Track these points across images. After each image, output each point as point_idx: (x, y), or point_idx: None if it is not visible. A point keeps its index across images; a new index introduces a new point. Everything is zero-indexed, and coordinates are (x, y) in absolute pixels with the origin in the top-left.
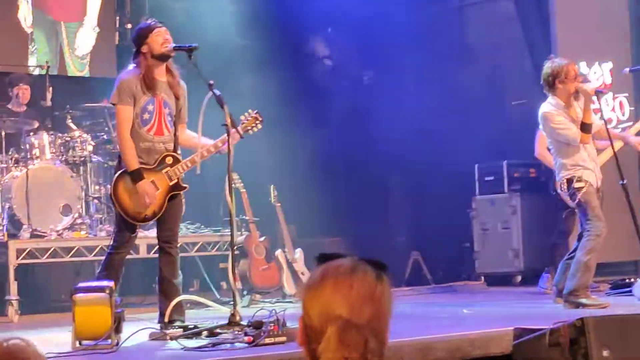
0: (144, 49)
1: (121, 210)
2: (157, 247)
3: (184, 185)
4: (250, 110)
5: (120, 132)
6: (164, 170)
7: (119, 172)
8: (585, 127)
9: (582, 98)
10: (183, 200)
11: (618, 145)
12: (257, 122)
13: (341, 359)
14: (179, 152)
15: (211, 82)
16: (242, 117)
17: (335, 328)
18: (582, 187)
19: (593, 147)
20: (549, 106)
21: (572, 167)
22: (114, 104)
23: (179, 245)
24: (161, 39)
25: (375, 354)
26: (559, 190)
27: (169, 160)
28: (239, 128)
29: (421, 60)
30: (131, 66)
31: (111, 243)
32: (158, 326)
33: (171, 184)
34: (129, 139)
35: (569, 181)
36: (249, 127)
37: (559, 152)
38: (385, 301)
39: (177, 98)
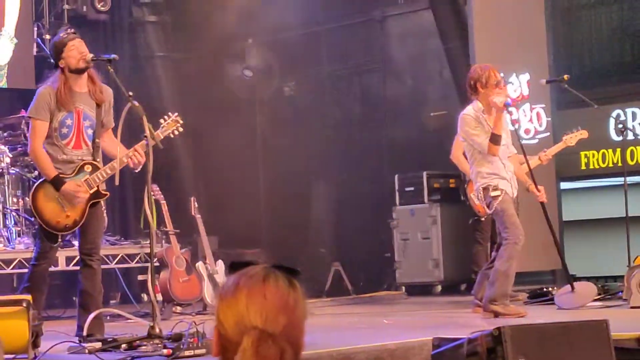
0: (61, 63)
1: (41, 220)
2: (78, 259)
3: (105, 192)
4: (170, 114)
5: (32, 145)
6: (83, 179)
7: (38, 182)
8: (494, 139)
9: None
10: (104, 212)
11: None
12: (177, 125)
13: None
14: (98, 159)
15: (130, 93)
16: (162, 121)
17: (251, 339)
18: (498, 196)
19: (508, 159)
20: (469, 109)
21: (488, 175)
22: (30, 117)
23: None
24: (76, 53)
25: None
26: (471, 196)
27: (88, 168)
28: (159, 132)
29: (343, 71)
30: (48, 82)
31: (33, 255)
32: (76, 340)
33: (91, 191)
34: (42, 150)
35: (485, 190)
36: (169, 130)
37: (474, 160)
38: (299, 309)
39: (98, 106)
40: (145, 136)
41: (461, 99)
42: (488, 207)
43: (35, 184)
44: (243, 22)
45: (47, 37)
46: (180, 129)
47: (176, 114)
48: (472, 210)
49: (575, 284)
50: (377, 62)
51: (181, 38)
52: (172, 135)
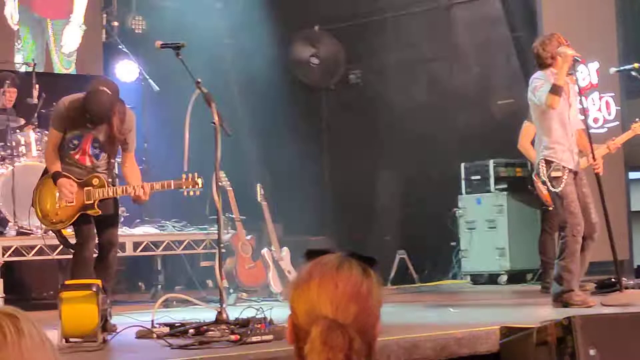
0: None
1: (35, 209)
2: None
3: (97, 209)
4: (191, 174)
5: (46, 149)
6: (85, 188)
7: (44, 176)
8: (554, 89)
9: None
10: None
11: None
12: (196, 185)
13: None
14: (110, 179)
15: (199, 79)
16: (183, 176)
17: (319, 329)
18: (560, 177)
19: (574, 136)
20: (538, 74)
21: (552, 145)
22: (50, 124)
23: (165, 242)
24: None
25: (362, 354)
26: (538, 185)
27: (95, 181)
28: (174, 182)
29: (409, 59)
30: (76, 95)
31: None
32: (145, 324)
33: (86, 202)
34: (52, 154)
35: (547, 164)
36: (184, 188)
37: (542, 130)
38: (372, 298)
39: (113, 135)
40: (214, 122)
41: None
42: (551, 185)
43: (40, 178)
44: (310, 9)
45: (115, 23)
46: (197, 192)
47: (198, 176)
48: (540, 199)
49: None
50: (444, 50)
51: (248, 25)
52: (185, 194)
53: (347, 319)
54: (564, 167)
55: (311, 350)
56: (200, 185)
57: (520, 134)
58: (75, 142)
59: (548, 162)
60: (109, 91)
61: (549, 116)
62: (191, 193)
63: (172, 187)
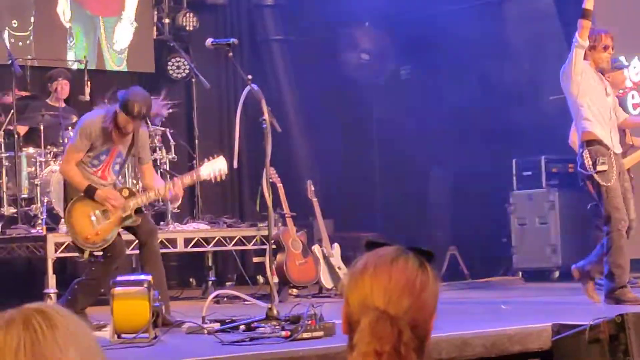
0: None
1: (72, 234)
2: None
3: (137, 219)
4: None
5: (64, 166)
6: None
7: (74, 199)
8: (584, 13)
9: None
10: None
11: None
12: (217, 163)
13: (372, 352)
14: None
15: (249, 76)
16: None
17: (368, 319)
18: (604, 172)
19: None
20: None
21: (590, 118)
22: (70, 142)
23: (216, 239)
24: (127, 128)
25: (411, 347)
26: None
27: (125, 192)
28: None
29: (460, 55)
30: (102, 111)
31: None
32: (196, 320)
33: (124, 215)
34: (76, 170)
35: (590, 154)
36: (212, 173)
37: (578, 110)
38: (427, 292)
39: (131, 147)
40: (264, 119)
41: None
42: (593, 166)
43: (72, 200)
44: (360, 5)
45: (167, 21)
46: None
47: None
48: (590, 195)
49: None
50: (495, 45)
51: (298, 21)
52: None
53: (398, 311)
54: (607, 149)
55: (359, 340)
56: (222, 163)
57: (571, 131)
58: (103, 157)
59: (591, 153)
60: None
61: (583, 92)
62: (219, 179)
63: (200, 176)
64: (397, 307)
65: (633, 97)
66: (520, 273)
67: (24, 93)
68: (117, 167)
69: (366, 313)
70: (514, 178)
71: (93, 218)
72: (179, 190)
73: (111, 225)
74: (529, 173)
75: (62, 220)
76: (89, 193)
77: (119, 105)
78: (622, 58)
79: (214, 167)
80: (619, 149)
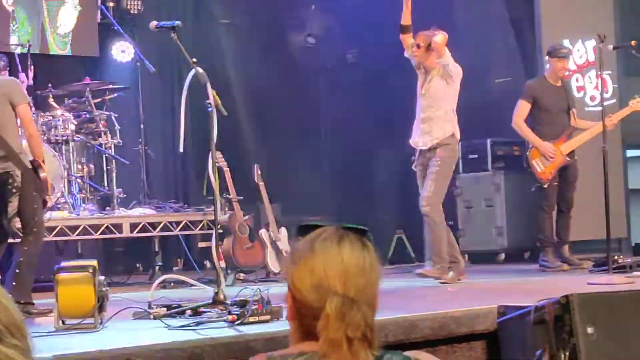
0: None
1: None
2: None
3: None
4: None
5: (34, 128)
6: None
7: (37, 161)
8: (402, 29)
9: None
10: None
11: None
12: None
13: (344, 338)
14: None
15: (194, 59)
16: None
17: (333, 305)
18: None
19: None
20: None
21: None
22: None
23: (162, 223)
24: None
25: (373, 330)
26: (532, 163)
27: None
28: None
29: None
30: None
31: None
32: (143, 305)
33: None
34: None
35: None
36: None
37: None
38: (375, 270)
39: None
40: (209, 103)
41: (525, 66)
42: None
43: (41, 166)
44: None
45: (111, 4)
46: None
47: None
48: (535, 178)
49: None
50: (442, 28)
51: (244, 5)
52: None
53: (357, 293)
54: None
55: (325, 326)
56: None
57: (514, 113)
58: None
59: None
60: None
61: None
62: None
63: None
64: (354, 289)
65: (577, 80)
66: (467, 255)
67: None
68: None
69: (326, 298)
70: (460, 161)
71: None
72: None
73: None
74: (475, 156)
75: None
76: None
77: None
78: (565, 42)
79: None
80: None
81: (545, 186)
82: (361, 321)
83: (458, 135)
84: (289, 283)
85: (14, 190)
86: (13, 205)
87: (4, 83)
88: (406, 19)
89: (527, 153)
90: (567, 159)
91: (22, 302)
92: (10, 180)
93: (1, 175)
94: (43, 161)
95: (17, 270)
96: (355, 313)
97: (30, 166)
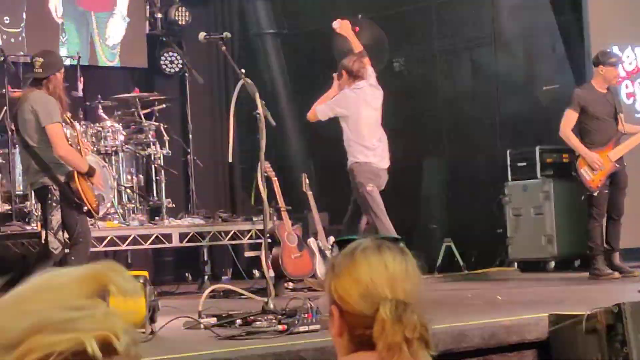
0: (52, 79)
1: (89, 205)
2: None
3: None
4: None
5: (66, 147)
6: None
7: (74, 172)
8: None
9: None
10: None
11: None
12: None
13: (402, 340)
14: None
15: (243, 70)
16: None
17: (387, 309)
18: None
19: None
20: None
21: None
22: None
23: (211, 233)
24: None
25: (428, 330)
26: (581, 172)
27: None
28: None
29: (453, 46)
30: (41, 91)
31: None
32: (192, 315)
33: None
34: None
35: None
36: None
37: None
38: (417, 274)
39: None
40: (258, 113)
41: (574, 73)
42: None
43: (72, 174)
44: None
45: (159, 15)
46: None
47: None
48: (584, 186)
49: None
50: (488, 36)
51: (290, 14)
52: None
53: (406, 296)
54: None
55: (382, 332)
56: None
57: (562, 122)
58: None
59: None
60: None
61: None
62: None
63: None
64: (404, 292)
65: (627, 86)
66: (516, 264)
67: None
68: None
69: (376, 305)
70: (509, 169)
71: (90, 186)
72: None
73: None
74: (524, 164)
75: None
76: (91, 173)
77: (57, 69)
78: (615, 48)
79: None
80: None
81: (595, 194)
82: (417, 322)
83: None
84: (333, 298)
85: (54, 204)
86: (56, 219)
87: (35, 100)
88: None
89: (575, 162)
90: (617, 165)
91: None
92: (50, 195)
93: (40, 189)
94: (87, 173)
95: None
96: (410, 314)
97: (64, 179)
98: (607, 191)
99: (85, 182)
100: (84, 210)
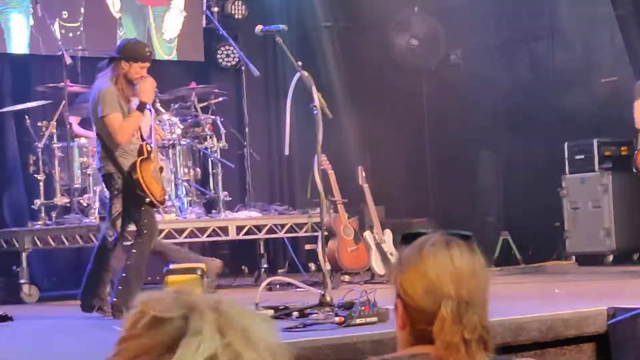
0: (125, 66)
1: (153, 196)
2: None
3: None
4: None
5: (120, 138)
6: (153, 157)
7: (135, 162)
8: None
9: None
10: None
11: None
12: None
13: (461, 341)
14: None
15: (299, 63)
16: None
17: (449, 308)
18: None
19: None
20: None
21: None
22: (103, 117)
23: (268, 226)
24: (140, 75)
25: (489, 332)
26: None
27: (147, 147)
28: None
29: (510, 37)
30: (104, 81)
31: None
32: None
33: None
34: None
35: None
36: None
37: None
38: (484, 273)
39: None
40: (315, 106)
41: (633, 66)
42: None
43: (135, 166)
44: None
45: (216, 9)
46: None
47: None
48: None
49: None
50: (546, 29)
51: (347, 8)
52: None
53: (470, 295)
54: None
55: (441, 330)
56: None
57: (635, 114)
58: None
59: None
60: None
61: None
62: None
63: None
64: (468, 292)
65: None
66: (574, 257)
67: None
68: (145, 127)
69: (439, 302)
70: (566, 162)
71: (155, 176)
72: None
73: (161, 179)
74: (581, 157)
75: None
76: (143, 108)
77: (127, 59)
78: None
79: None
80: None
81: None
82: (477, 323)
83: None
84: (398, 291)
85: (115, 192)
86: (116, 207)
87: (93, 92)
88: None
89: (634, 157)
90: None
91: (127, 307)
92: (112, 182)
93: (105, 176)
94: (144, 160)
95: (124, 274)
96: (471, 315)
97: (128, 169)
98: None
99: (150, 172)
100: (147, 202)
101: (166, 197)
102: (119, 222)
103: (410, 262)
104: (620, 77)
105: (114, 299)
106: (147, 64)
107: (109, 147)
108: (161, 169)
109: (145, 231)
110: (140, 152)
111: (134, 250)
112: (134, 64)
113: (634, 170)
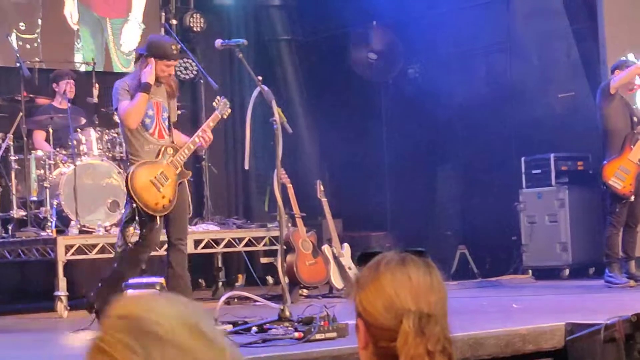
0: (150, 61)
1: (142, 204)
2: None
3: (188, 171)
4: (218, 97)
5: (128, 123)
6: (168, 161)
7: (132, 169)
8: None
9: None
10: (189, 198)
11: None
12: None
13: (424, 353)
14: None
15: (259, 77)
16: (214, 103)
17: (411, 321)
18: None
19: None
20: None
21: None
22: (115, 110)
23: (226, 240)
24: (167, 73)
25: (451, 343)
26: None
27: (170, 150)
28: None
29: (468, 52)
30: (131, 75)
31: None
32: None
33: (177, 172)
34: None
35: None
36: (221, 111)
37: None
38: (442, 287)
39: (170, 97)
40: (275, 120)
41: (589, 81)
42: None
43: (130, 171)
44: (367, 4)
45: (174, 22)
46: (229, 110)
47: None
48: (618, 197)
49: None
50: (503, 43)
51: (305, 21)
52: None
53: (430, 308)
54: None
55: (404, 343)
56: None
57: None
58: (150, 112)
59: None
60: None
61: None
62: (225, 115)
63: (217, 116)
64: (428, 305)
65: None
66: (531, 271)
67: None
68: (166, 122)
69: (400, 317)
70: (523, 176)
71: (155, 182)
72: (209, 135)
73: (172, 185)
74: (538, 171)
75: (72, 222)
76: (146, 89)
77: (154, 56)
78: (630, 55)
79: (224, 106)
80: None
81: (632, 199)
82: (440, 334)
83: None
84: (358, 310)
85: (127, 198)
86: (126, 213)
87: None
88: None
89: (601, 177)
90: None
91: (100, 308)
92: (125, 187)
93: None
94: (145, 164)
95: (109, 276)
96: (433, 326)
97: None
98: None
99: (147, 178)
100: (143, 211)
101: (169, 204)
102: (129, 229)
103: (367, 281)
104: (576, 92)
105: (92, 294)
106: (174, 62)
107: (128, 149)
108: (185, 173)
109: (140, 240)
110: (157, 154)
111: (125, 257)
112: (159, 62)
113: (602, 187)
